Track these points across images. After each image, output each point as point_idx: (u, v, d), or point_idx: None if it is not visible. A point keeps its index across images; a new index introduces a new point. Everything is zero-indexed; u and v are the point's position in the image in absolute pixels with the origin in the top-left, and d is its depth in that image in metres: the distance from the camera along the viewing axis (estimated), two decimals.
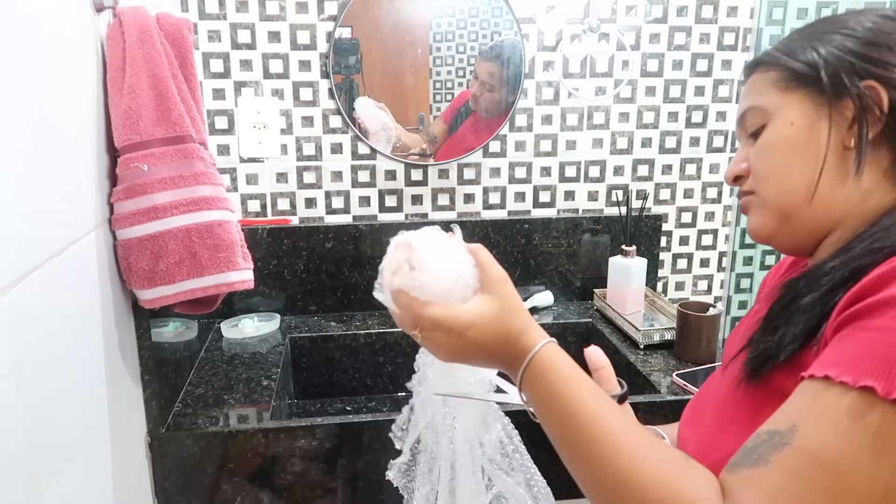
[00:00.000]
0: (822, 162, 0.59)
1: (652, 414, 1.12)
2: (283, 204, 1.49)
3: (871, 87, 0.57)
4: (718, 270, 1.70)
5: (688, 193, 1.63)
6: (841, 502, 0.44)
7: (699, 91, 1.57)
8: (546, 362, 0.65)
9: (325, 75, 1.43)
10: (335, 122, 1.46)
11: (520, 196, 1.57)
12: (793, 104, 0.61)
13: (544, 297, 1.57)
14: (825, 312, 0.53)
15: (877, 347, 0.45)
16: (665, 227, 1.63)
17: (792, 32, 0.66)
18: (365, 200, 1.52)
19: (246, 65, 1.41)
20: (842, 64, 0.59)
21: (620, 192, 1.60)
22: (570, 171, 1.58)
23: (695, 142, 1.60)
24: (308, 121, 1.45)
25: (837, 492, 0.44)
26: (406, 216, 1.54)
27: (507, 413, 0.74)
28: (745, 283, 1.70)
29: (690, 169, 1.62)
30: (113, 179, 0.87)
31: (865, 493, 0.44)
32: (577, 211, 1.60)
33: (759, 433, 0.50)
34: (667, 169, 1.61)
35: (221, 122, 1.43)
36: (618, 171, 1.59)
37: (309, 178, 1.48)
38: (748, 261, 1.69)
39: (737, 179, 0.67)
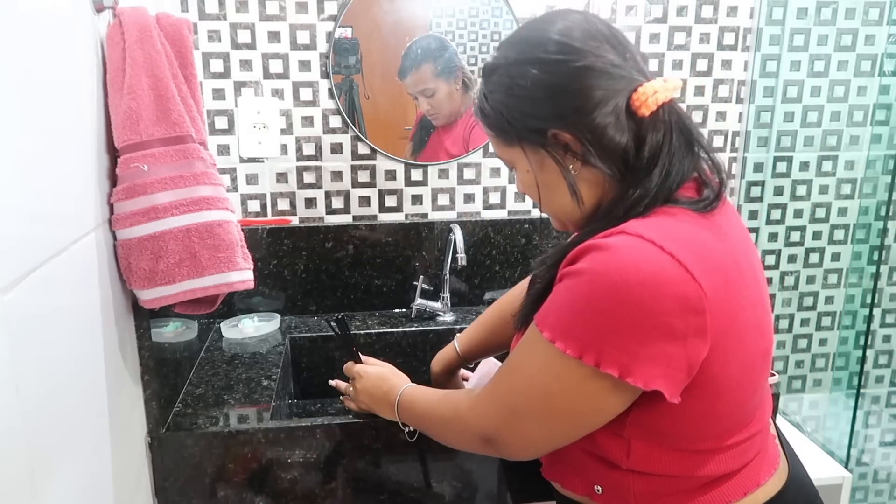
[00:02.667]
0: (571, 188, 0.73)
1: None
2: (283, 204, 1.49)
3: (554, 136, 0.71)
4: None
5: None
6: (514, 395, 0.72)
7: (699, 91, 1.57)
8: (406, 398, 0.94)
9: (325, 75, 1.43)
10: (335, 122, 1.46)
11: (520, 196, 1.57)
12: (519, 157, 0.75)
13: None
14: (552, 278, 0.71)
15: (555, 305, 0.68)
16: None
17: (486, 82, 0.76)
18: (365, 200, 1.52)
19: (246, 65, 1.41)
20: (524, 124, 0.72)
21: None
22: None
23: None
24: (308, 121, 1.45)
25: (512, 386, 0.73)
26: (406, 216, 1.54)
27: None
28: None
29: None
30: (113, 179, 0.87)
31: (525, 388, 0.71)
32: None
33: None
34: None
35: (221, 122, 1.43)
36: None
37: (309, 178, 1.48)
38: None
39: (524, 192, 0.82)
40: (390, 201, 1.53)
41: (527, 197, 1.57)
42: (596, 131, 0.69)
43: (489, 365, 1.13)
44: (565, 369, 0.66)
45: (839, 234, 1.68)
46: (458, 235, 1.41)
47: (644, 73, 0.72)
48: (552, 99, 0.70)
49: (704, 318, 0.63)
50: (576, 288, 0.65)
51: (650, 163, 0.69)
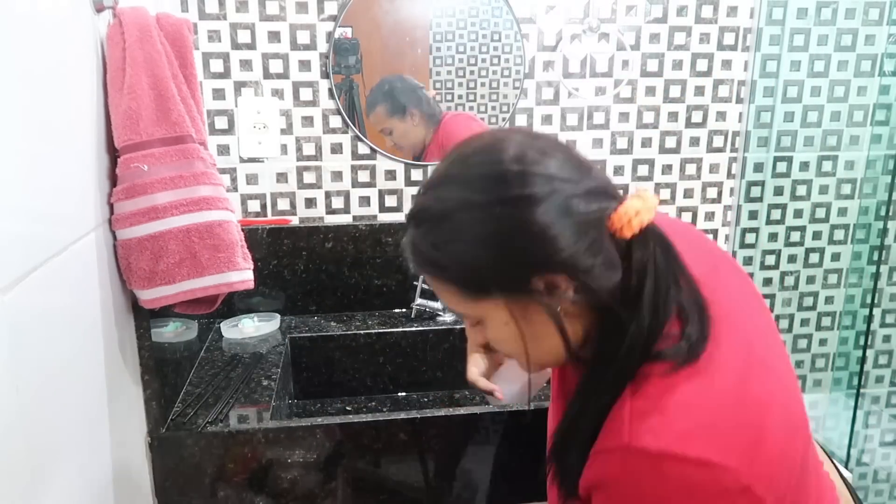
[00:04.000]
0: (563, 333, 0.63)
1: None
2: (283, 204, 1.49)
3: (537, 281, 0.61)
4: None
5: (688, 193, 1.63)
6: None
7: (699, 91, 1.57)
8: None
9: (325, 75, 1.43)
10: (335, 122, 1.46)
11: None
12: (493, 309, 0.64)
13: None
14: (584, 459, 0.63)
15: None
16: None
17: (424, 233, 0.67)
18: (365, 200, 1.52)
19: (246, 65, 1.41)
20: (505, 273, 0.61)
21: (621, 192, 1.60)
22: None
23: (695, 142, 1.60)
24: (308, 121, 1.45)
25: None
26: (406, 216, 1.54)
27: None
28: None
29: (690, 169, 1.62)
30: (113, 179, 0.87)
31: None
32: None
33: None
34: (667, 169, 1.61)
35: (221, 122, 1.43)
36: (618, 171, 1.59)
37: (309, 178, 1.48)
38: (748, 261, 1.69)
39: (486, 347, 0.76)
40: (390, 201, 1.53)
41: None
42: (589, 268, 0.60)
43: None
44: None
45: (839, 234, 1.68)
46: None
47: (614, 190, 0.67)
48: (536, 243, 0.59)
49: (755, 489, 0.57)
50: None
51: (638, 284, 0.62)
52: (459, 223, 0.62)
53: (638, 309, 0.62)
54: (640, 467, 0.57)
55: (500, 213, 0.60)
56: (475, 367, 0.87)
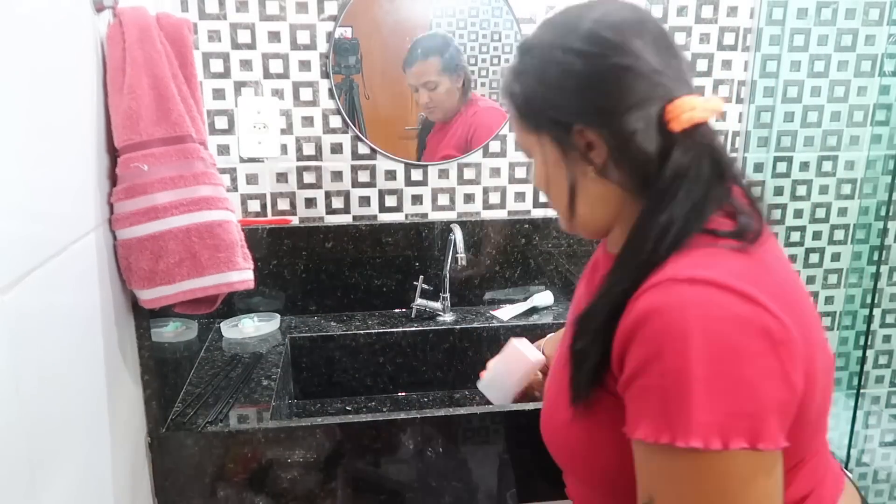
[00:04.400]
0: (571, 189, 0.69)
1: None
2: (283, 204, 1.49)
3: (578, 132, 0.66)
4: None
5: None
6: None
7: (699, 91, 1.57)
8: None
9: (325, 75, 1.43)
10: (335, 122, 1.46)
11: (520, 196, 1.57)
12: (537, 146, 0.70)
13: (544, 297, 1.57)
14: (608, 341, 0.62)
15: (654, 405, 0.56)
16: None
17: (513, 68, 0.71)
18: (365, 200, 1.52)
19: (246, 65, 1.41)
20: (548, 115, 0.67)
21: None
22: None
23: None
24: (308, 121, 1.45)
25: None
26: (406, 216, 1.54)
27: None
28: None
29: None
30: (113, 179, 0.87)
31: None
32: None
33: None
34: None
35: (221, 122, 1.43)
36: None
37: (309, 178, 1.48)
38: None
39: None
40: (390, 201, 1.53)
41: (526, 197, 1.58)
42: (623, 136, 0.63)
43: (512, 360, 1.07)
44: (713, 464, 0.54)
45: (839, 234, 1.68)
46: (458, 235, 1.41)
47: (687, 84, 0.65)
48: (582, 93, 0.64)
49: (793, 348, 0.56)
50: (661, 373, 0.55)
51: (673, 185, 0.62)
52: (538, 56, 0.68)
53: (674, 201, 0.62)
54: (686, 293, 0.56)
55: (564, 58, 0.65)
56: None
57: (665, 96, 0.63)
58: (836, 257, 1.69)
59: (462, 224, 1.50)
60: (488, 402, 1.07)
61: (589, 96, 0.64)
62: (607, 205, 0.68)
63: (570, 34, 0.65)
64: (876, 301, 1.68)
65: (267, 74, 1.42)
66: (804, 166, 1.63)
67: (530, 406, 1.12)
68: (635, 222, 0.65)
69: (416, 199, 1.54)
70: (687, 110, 0.62)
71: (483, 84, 1.48)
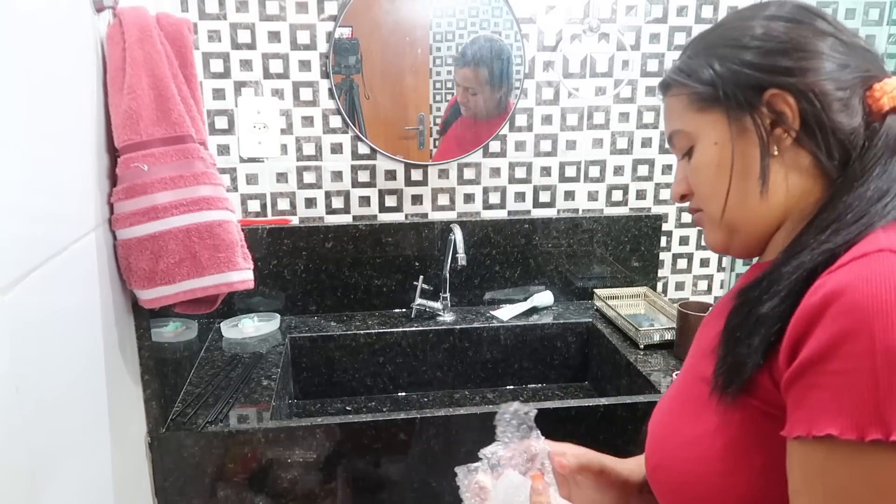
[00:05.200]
0: (763, 172, 0.59)
1: (652, 414, 1.12)
2: (283, 204, 1.49)
3: (773, 97, 0.58)
4: (718, 270, 1.70)
5: None
6: None
7: None
8: None
9: (325, 75, 1.43)
10: (335, 122, 1.46)
11: (520, 196, 1.57)
12: (711, 125, 0.62)
13: (544, 297, 1.57)
14: (785, 318, 0.52)
15: (854, 393, 0.45)
16: (665, 227, 1.63)
17: (692, 44, 0.66)
18: (365, 200, 1.52)
19: (246, 65, 1.41)
20: (738, 79, 0.60)
21: (621, 193, 1.61)
22: (570, 171, 1.58)
23: None
24: (308, 121, 1.45)
25: None
26: (406, 216, 1.54)
27: None
28: None
29: None
30: (113, 179, 0.87)
31: None
32: (577, 211, 1.60)
33: None
34: (667, 169, 1.61)
35: (221, 122, 1.43)
36: (618, 171, 1.59)
37: (309, 178, 1.48)
38: (748, 261, 1.69)
39: (683, 197, 0.68)
40: (390, 201, 1.53)
41: (526, 197, 1.58)
42: (825, 100, 0.57)
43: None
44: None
45: None
46: (458, 235, 1.41)
47: (882, 68, 0.61)
48: (783, 52, 0.58)
49: None
50: (864, 354, 0.45)
51: (864, 172, 0.56)
52: (728, 26, 0.63)
53: (864, 187, 0.55)
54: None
55: (765, 23, 0.60)
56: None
57: (867, 74, 0.58)
58: None
59: (462, 224, 1.50)
60: (488, 402, 1.07)
61: (791, 55, 0.58)
62: (798, 184, 0.60)
63: (760, 10, 0.62)
64: None
65: (267, 74, 1.42)
66: None
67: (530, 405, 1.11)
68: (836, 189, 0.57)
69: (416, 199, 1.54)
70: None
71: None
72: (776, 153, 0.59)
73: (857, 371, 0.45)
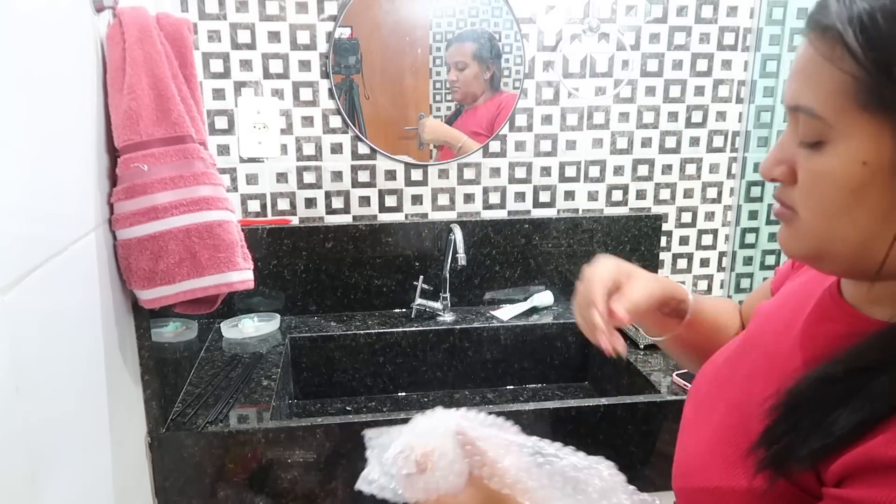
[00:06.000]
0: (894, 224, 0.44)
1: (652, 414, 1.12)
2: (283, 204, 1.49)
3: None
4: (718, 270, 1.70)
5: (688, 193, 1.63)
6: None
7: (699, 91, 1.57)
8: None
9: (325, 75, 1.43)
10: (335, 122, 1.46)
11: (520, 196, 1.57)
12: (868, 134, 0.44)
13: (544, 297, 1.57)
14: (865, 433, 0.42)
15: None
16: (665, 227, 1.63)
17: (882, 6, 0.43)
18: (365, 200, 1.52)
19: (246, 65, 1.41)
20: None
21: (621, 193, 1.61)
22: (570, 171, 1.58)
23: (695, 142, 1.60)
24: (308, 121, 1.45)
25: None
26: (406, 216, 1.54)
27: None
28: (745, 283, 1.70)
29: (690, 169, 1.62)
30: (113, 179, 0.87)
31: None
32: (577, 211, 1.60)
33: None
34: (667, 169, 1.61)
35: (221, 122, 1.43)
36: (618, 171, 1.59)
37: (309, 178, 1.48)
38: (748, 261, 1.69)
39: (774, 179, 0.52)
40: (390, 201, 1.53)
41: (526, 197, 1.58)
42: None
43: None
44: None
45: None
46: (458, 235, 1.41)
47: None
48: None
49: None
50: None
51: None
52: None
53: None
54: None
55: None
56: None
57: None
58: None
59: (462, 224, 1.50)
60: (488, 402, 1.07)
61: None
62: None
63: None
64: None
65: (267, 74, 1.42)
66: None
67: (531, 406, 1.12)
68: None
69: (416, 199, 1.54)
70: None
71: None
72: None
73: None
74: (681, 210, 1.64)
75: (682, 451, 0.62)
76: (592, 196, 1.60)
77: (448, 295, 1.52)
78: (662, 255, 1.65)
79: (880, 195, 0.44)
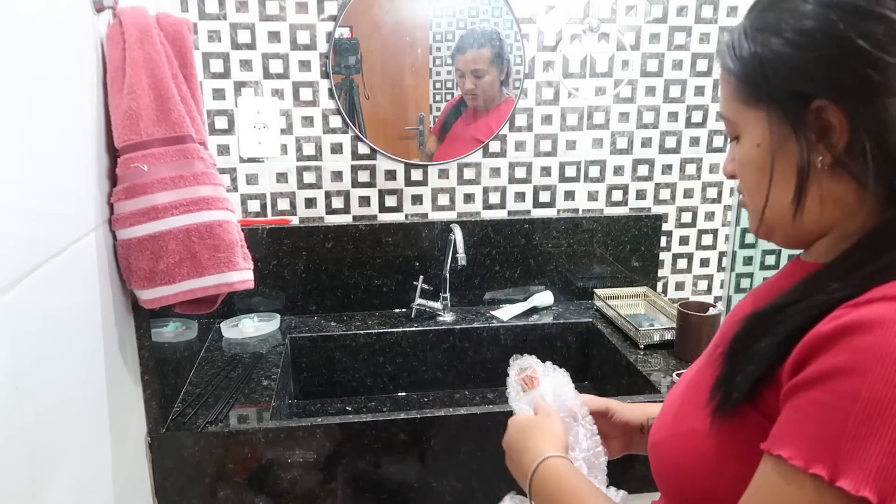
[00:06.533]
0: (799, 188, 0.55)
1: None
2: (283, 204, 1.49)
3: (820, 109, 0.52)
4: (718, 270, 1.70)
5: (688, 193, 1.63)
6: None
7: (699, 91, 1.57)
8: (551, 468, 0.70)
9: (325, 75, 1.43)
10: (335, 122, 1.46)
11: (520, 196, 1.57)
12: (755, 123, 0.57)
13: (544, 297, 1.57)
14: (789, 347, 0.51)
15: (821, 427, 0.45)
16: (665, 227, 1.63)
17: (754, 11, 0.58)
18: (365, 200, 1.52)
19: (246, 65, 1.41)
20: (785, 81, 0.54)
21: (621, 193, 1.61)
22: (570, 171, 1.58)
23: (695, 142, 1.60)
24: (308, 121, 1.45)
25: None
26: (406, 216, 1.54)
27: None
28: (745, 283, 1.70)
29: (690, 169, 1.62)
30: (113, 179, 0.87)
31: None
32: (577, 211, 1.60)
33: None
34: (667, 169, 1.61)
35: (221, 122, 1.43)
36: (618, 171, 1.59)
37: (309, 178, 1.48)
38: (748, 261, 1.69)
39: (732, 176, 0.64)
40: (390, 201, 1.53)
41: (526, 197, 1.58)
42: (880, 122, 0.50)
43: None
44: None
45: None
46: (458, 235, 1.41)
47: None
48: (842, 61, 0.51)
49: None
50: (848, 395, 0.45)
51: None
52: (781, 13, 0.55)
53: None
54: None
55: (830, 17, 0.52)
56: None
57: None
58: None
59: (462, 224, 1.50)
60: (488, 402, 1.07)
61: (851, 66, 0.51)
62: (838, 205, 0.55)
63: None
64: None
65: (267, 74, 1.42)
66: None
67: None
68: (878, 225, 0.53)
69: (416, 199, 1.54)
70: None
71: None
72: (825, 166, 0.54)
73: (835, 409, 0.45)
74: (681, 210, 1.64)
75: (663, 407, 0.69)
76: (592, 196, 1.60)
77: (448, 295, 1.52)
78: (662, 255, 1.65)
79: (776, 168, 0.56)
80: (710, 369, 0.60)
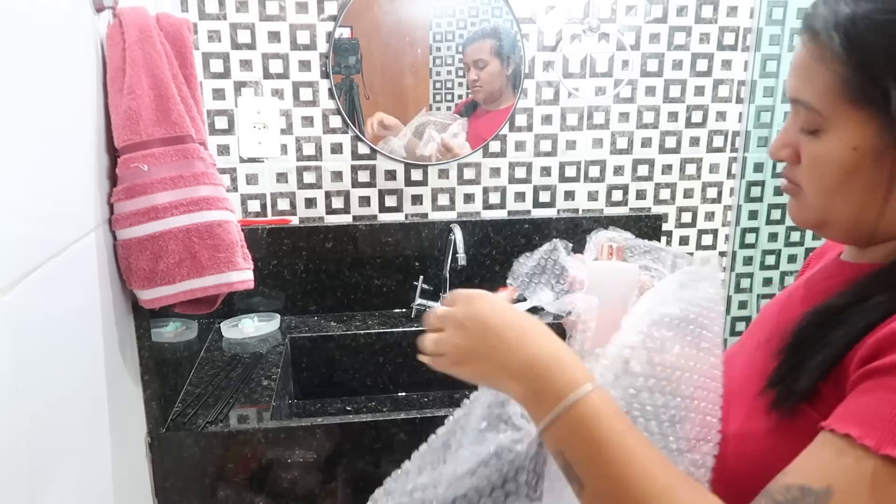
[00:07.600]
0: (883, 198, 0.52)
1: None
2: (283, 204, 1.49)
3: None
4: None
5: (688, 193, 1.63)
6: None
7: (699, 91, 1.57)
8: (593, 409, 0.52)
9: (325, 75, 1.43)
10: (335, 122, 1.46)
11: (520, 196, 1.57)
12: (857, 124, 0.51)
13: (545, 297, 1.57)
14: (853, 344, 0.50)
15: (889, 409, 0.44)
16: (665, 227, 1.63)
17: (870, 8, 0.50)
18: (365, 200, 1.52)
19: (246, 65, 1.41)
20: None
21: (621, 193, 1.61)
22: (570, 171, 1.58)
23: (695, 142, 1.60)
24: (308, 121, 1.45)
25: None
26: (406, 216, 1.54)
27: None
28: (745, 282, 1.70)
29: (690, 169, 1.62)
30: (113, 179, 0.87)
31: None
32: (577, 211, 1.60)
33: (789, 487, 0.48)
34: (667, 169, 1.61)
35: (221, 122, 1.43)
36: (618, 171, 1.59)
37: (309, 178, 1.48)
38: (748, 261, 1.69)
39: (781, 159, 0.60)
40: (390, 201, 1.53)
41: (526, 197, 1.58)
42: None
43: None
44: None
45: None
46: (458, 235, 1.41)
47: None
48: None
49: None
50: None
51: None
52: None
53: None
54: None
55: None
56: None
57: None
58: None
59: (462, 224, 1.50)
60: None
61: None
62: None
63: None
64: None
65: (267, 74, 1.42)
66: None
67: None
68: None
69: (416, 199, 1.54)
70: None
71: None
72: None
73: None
74: (681, 210, 1.64)
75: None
76: (592, 196, 1.60)
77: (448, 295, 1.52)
78: None
79: (869, 174, 0.52)
80: (759, 366, 0.57)
